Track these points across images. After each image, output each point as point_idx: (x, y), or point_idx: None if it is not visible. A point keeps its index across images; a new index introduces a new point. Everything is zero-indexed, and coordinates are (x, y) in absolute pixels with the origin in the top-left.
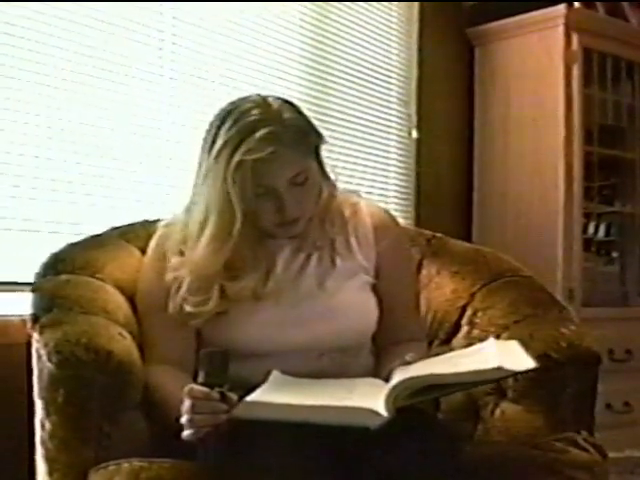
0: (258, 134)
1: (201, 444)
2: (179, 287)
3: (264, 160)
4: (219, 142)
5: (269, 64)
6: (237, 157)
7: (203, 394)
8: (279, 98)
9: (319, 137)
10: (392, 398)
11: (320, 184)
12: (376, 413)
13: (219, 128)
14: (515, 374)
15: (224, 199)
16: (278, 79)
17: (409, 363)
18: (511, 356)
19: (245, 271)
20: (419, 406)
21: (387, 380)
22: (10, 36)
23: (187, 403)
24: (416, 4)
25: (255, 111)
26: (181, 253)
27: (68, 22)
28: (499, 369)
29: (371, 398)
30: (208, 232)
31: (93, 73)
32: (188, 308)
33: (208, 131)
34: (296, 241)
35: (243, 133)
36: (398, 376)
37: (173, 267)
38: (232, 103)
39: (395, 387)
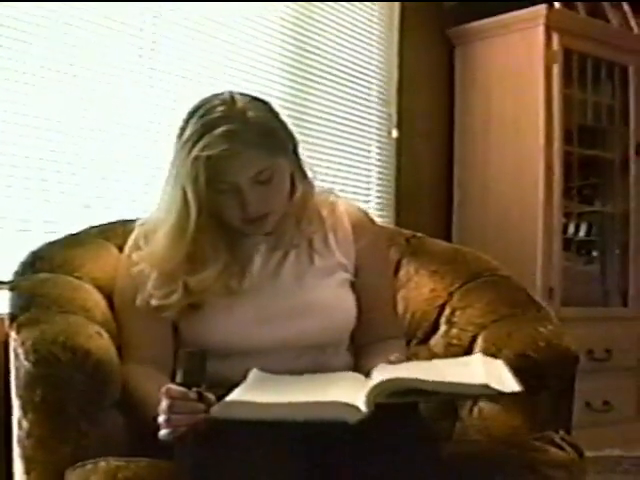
0: (217, 131)
1: (178, 443)
2: (145, 282)
3: (220, 157)
4: (183, 137)
5: (249, 63)
6: (193, 153)
7: (180, 394)
8: (250, 96)
9: (290, 137)
10: (374, 394)
11: (291, 182)
12: (356, 408)
13: (186, 123)
14: (499, 395)
15: (181, 194)
16: (259, 78)
17: (392, 362)
18: (497, 375)
19: (205, 265)
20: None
21: (367, 374)
22: None
23: (164, 403)
24: (397, 4)
25: (220, 108)
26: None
27: (51, 20)
28: (485, 386)
29: (350, 393)
30: (166, 226)
31: (76, 73)
32: (154, 302)
33: (180, 126)
34: (272, 239)
35: (203, 129)
36: (380, 373)
37: (135, 262)
38: (203, 99)
39: (378, 385)
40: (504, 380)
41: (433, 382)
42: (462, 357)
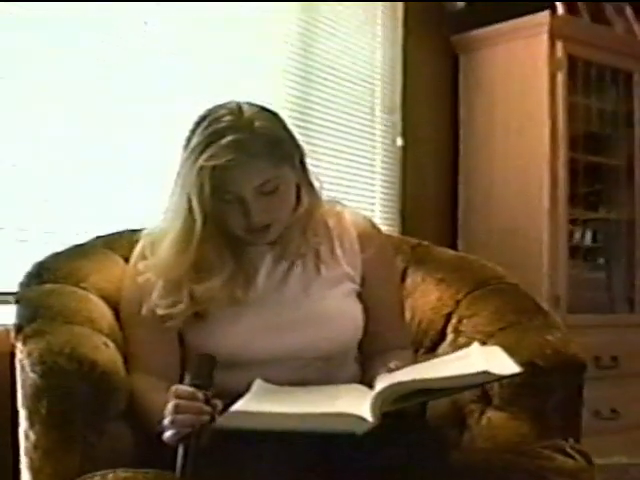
0: (223, 141)
1: (181, 444)
2: (151, 291)
3: (226, 167)
4: (190, 147)
5: (253, 72)
6: (199, 163)
7: (188, 394)
8: (257, 106)
9: (297, 148)
10: (378, 403)
11: (297, 193)
12: (362, 419)
13: (193, 133)
14: (500, 378)
15: (186, 203)
16: (262, 87)
17: (392, 370)
18: (496, 361)
19: (211, 274)
20: (408, 410)
21: (371, 386)
22: None
23: (171, 404)
24: (400, 11)
25: (227, 118)
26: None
27: (53, 31)
28: (485, 373)
29: (356, 404)
30: (171, 235)
31: (75, 83)
32: (159, 311)
33: (186, 136)
34: (278, 249)
35: (210, 139)
36: (382, 382)
37: (141, 271)
38: (210, 109)
39: (381, 392)
40: (503, 364)
41: (433, 379)
42: (460, 351)
